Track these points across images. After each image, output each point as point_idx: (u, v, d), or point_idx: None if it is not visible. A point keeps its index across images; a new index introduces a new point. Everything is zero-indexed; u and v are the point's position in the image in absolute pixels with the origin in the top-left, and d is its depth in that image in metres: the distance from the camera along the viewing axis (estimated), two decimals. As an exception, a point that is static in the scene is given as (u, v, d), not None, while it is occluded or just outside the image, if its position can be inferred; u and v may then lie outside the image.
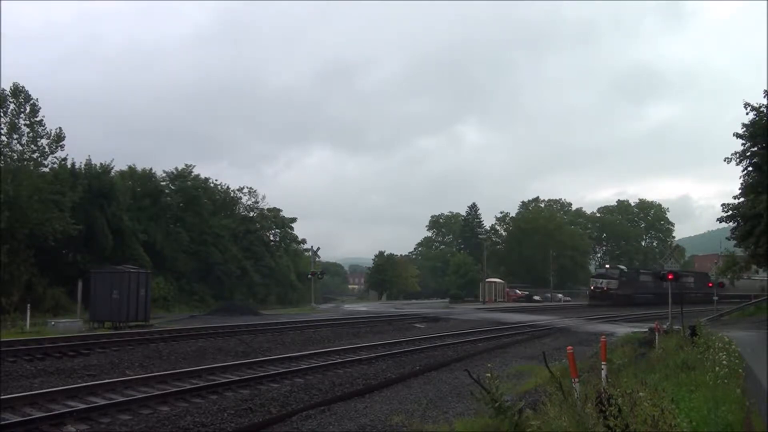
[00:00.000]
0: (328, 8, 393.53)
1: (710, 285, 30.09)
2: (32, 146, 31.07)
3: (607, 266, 60.90)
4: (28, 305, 23.69)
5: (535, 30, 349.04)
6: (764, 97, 26.45)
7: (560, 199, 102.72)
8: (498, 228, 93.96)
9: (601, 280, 58.62)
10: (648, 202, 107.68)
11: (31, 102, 30.94)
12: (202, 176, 53.37)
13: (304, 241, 66.84)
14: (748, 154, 27.53)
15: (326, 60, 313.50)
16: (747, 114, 27.21)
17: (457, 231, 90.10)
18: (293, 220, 65.96)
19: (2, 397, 9.27)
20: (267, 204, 62.81)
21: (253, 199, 61.80)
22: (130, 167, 48.26)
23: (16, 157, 30.67)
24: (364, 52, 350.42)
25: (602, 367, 8.29)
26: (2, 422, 8.10)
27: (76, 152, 39.90)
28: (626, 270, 61.27)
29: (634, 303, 54.13)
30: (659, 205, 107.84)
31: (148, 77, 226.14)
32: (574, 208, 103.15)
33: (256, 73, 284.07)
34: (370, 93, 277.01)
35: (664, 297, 53.03)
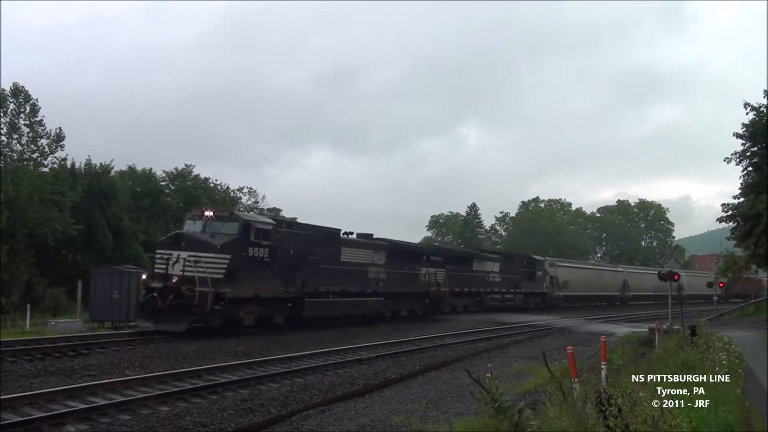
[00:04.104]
0: (329, 11, 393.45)
1: (676, 278, 20.46)
2: (32, 146, 31.10)
3: (209, 213, 20.13)
4: (28, 305, 23.69)
5: (536, 32, 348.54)
6: (764, 97, 26.49)
7: (560, 199, 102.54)
8: (498, 228, 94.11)
9: (170, 255, 18.75)
10: (648, 202, 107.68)
11: (31, 102, 30.96)
12: (202, 176, 53.42)
13: (303, 241, 66.53)
14: (748, 154, 27.56)
15: (327, 62, 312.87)
16: (747, 114, 27.27)
17: (457, 231, 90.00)
18: (293, 219, 65.92)
19: (2, 397, 9.26)
20: (267, 204, 62.75)
21: (253, 199, 61.79)
22: (130, 167, 48.25)
23: (16, 157, 30.70)
24: (365, 55, 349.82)
25: (602, 367, 8.31)
26: (2, 422, 8.10)
27: (78, 153, 40.00)
28: (272, 223, 21.73)
29: (304, 321, 21.85)
30: (659, 205, 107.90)
31: (151, 80, 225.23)
32: (574, 208, 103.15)
33: (257, 76, 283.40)
34: (370, 95, 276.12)
35: (405, 301, 28.64)
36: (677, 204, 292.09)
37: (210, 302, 17.80)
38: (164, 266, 18.79)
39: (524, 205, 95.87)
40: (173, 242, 19.77)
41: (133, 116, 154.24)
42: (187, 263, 18.10)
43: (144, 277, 19.64)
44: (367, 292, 25.86)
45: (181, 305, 17.81)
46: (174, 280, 18.10)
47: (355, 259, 25.60)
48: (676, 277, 20.98)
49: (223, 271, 18.72)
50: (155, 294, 18.12)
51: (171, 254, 18.87)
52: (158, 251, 19.81)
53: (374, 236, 28.46)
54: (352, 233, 27.09)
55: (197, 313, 18.07)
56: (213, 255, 18.74)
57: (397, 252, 28.70)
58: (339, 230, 25.64)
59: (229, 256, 18.97)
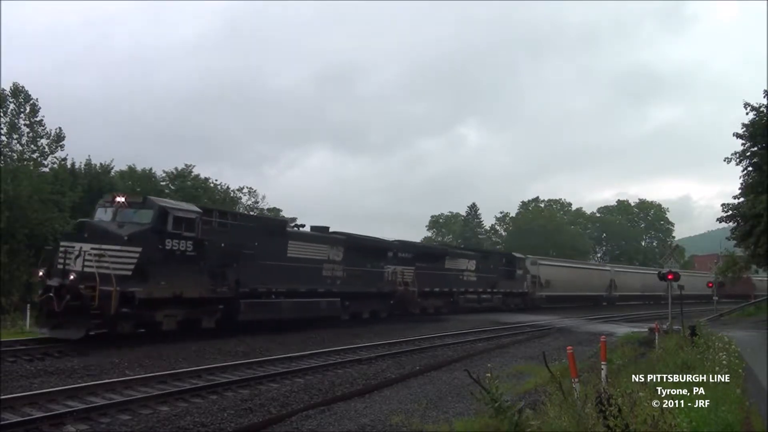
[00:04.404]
0: (329, 11, 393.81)
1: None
2: (32, 146, 31.12)
3: (120, 198, 17.27)
4: (28, 305, 23.67)
5: (536, 32, 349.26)
6: (764, 97, 26.51)
7: (560, 199, 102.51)
8: (498, 228, 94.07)
9: (72, 248, 15.92)
10: (648, 202, 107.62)
11: (31, 102, 30.98)
12: (202, 176, 53.40)
13: (303, 241, 66.49)
14: (748, 154, 27.60)
15: (327, 62, 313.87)
16: (747, 114, 27.29)
17: (457, 231, 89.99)
18: (293, 220, 65.96)
19: (2, 397, 9.26)
20: (267, 204, 62.73)
21: (253, 199, 61.78)
22: (129, 167, 48.27)
23: (16, 157, 30.70)
24: (365, 55, 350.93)
25: (602, 367, 8.32)
26: (2, 422, 8.09)
27: (78, 153, 40.04)
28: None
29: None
30: (659, 205, 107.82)
31: (151, 80, 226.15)
32: (574, 208, 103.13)
33: (257, 76, 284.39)
34: (370, 95, 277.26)
35: (367, 302, 26.04)
36: (677, 204, 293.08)
37: (114, 303, 15.04)
38: (64, 261, 15.91)
39: (524, 205, 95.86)
40: (76, 233, 17.01)
41: (133, 116, 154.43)
42: (87, 257, 15.38)
43: (41, 273, 16.23)
44: (320, 292, 22.97)
45: (80, 307, 14.94)
46: (71, 278, 15.23)
47: (305, 254, 22.37)
48: (670, 276, 20.92)
49: (132, 266, 15.86)
50: (51, 294, 15.23)
51: (73, 247, 15.93)
52: (61, 243, 16.77)
53: (330, 230, 25.81)
54: (303, 225, 24.20)
55: (99, 316, 15.15)
56: (119, 248, 15.76)
57: (358, 247, 25.54)
58: (285, 221, 22.59)
59: (139, 249, 16.00)
